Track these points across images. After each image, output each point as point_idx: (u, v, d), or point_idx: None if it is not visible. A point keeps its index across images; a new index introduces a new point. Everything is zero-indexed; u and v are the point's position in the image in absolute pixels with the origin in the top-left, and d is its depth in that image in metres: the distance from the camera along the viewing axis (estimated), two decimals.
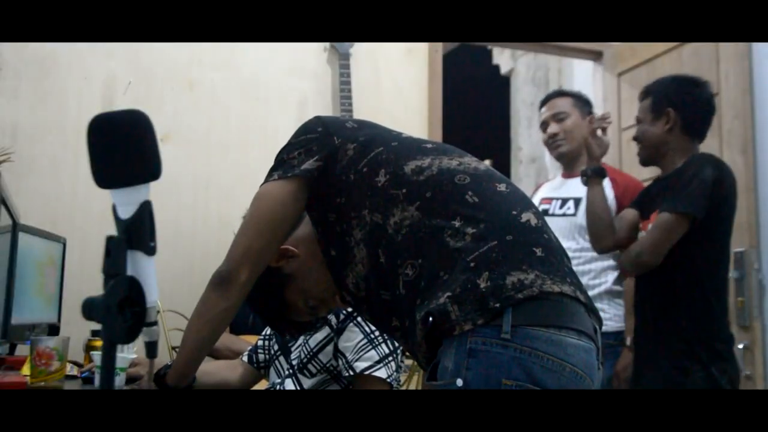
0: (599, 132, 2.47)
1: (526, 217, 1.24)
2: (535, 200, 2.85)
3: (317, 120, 1.39)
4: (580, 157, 2.76)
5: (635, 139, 2.44)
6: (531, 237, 1.21)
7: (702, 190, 2.13)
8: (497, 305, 1.12)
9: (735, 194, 2.26)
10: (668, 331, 2.20)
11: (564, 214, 2.74)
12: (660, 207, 2.22)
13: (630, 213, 2.42)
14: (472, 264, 1.16)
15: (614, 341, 2.58)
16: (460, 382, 1.11)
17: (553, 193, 2.87)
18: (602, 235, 2.39)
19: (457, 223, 1.20)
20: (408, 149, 1.33)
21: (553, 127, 2.82)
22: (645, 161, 2.44)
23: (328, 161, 1.33)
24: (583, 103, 2.88)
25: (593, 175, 2.42)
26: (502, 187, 1.28)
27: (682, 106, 2.34)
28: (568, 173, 2.86)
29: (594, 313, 1.22)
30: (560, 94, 2.92)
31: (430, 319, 1.14)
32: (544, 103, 2.92)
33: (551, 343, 1.12)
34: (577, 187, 2.63)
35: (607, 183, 2.59)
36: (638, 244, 2.26)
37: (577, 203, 2.71)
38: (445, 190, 1.25)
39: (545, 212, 2.76)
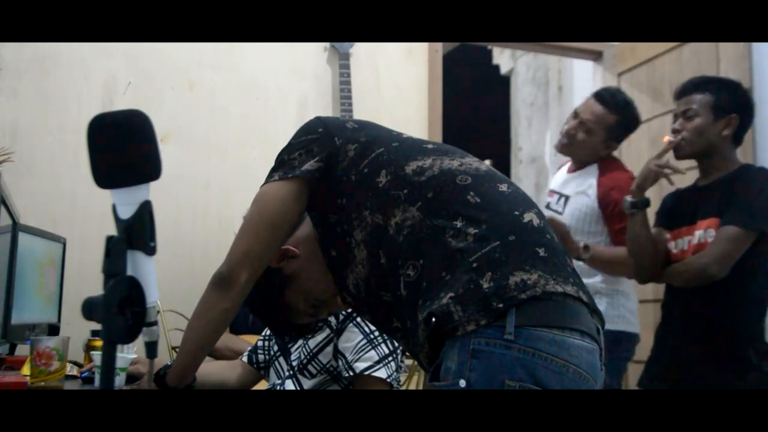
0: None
1: (528, 217, 1.23)
2: (552, 183, 2.93)
3: (318, 120, 1.39)
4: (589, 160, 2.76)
5: (689, 130, 2.27)
6: (533, 237, 1.21)
7: None
8: (500, 305, 1.11)
9: None
10: (719, 335, 2.19)
11: (556, 211, 2.76)
12: (724, 219, 2.17)
13: (660, 234, 2.36)
14: (474, 264, 1.15)
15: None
16: (463, 383, 1.11)
17: (557, 186, 2.87)
18: (647, 266, 2.34)
19: (458, 224, 1.20)
20: (409, 150, 1.33)
21: (571, 124, 2.76)
22: (687, 156, 2.33)
23: (328, 162, 1.33)
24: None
25: (639, 207, 2.32)
26: (503, 187, 1.28)
27: (744, 114, 2.29)
28: (574, 168, 2.83)
29: (596, 313, 1.21)
30: (597, 97, 2.81)
31: (433, 319, 1.14)
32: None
33: (555, 344, 1.11)
34: (574, 184, 2.74)
35: (593, 184, 2.66)
36: (703, 256, 2.18)
37: (566, 201, 2.76)
38: (447, 191, 1.24)
39: (547, 205, 2.82)
